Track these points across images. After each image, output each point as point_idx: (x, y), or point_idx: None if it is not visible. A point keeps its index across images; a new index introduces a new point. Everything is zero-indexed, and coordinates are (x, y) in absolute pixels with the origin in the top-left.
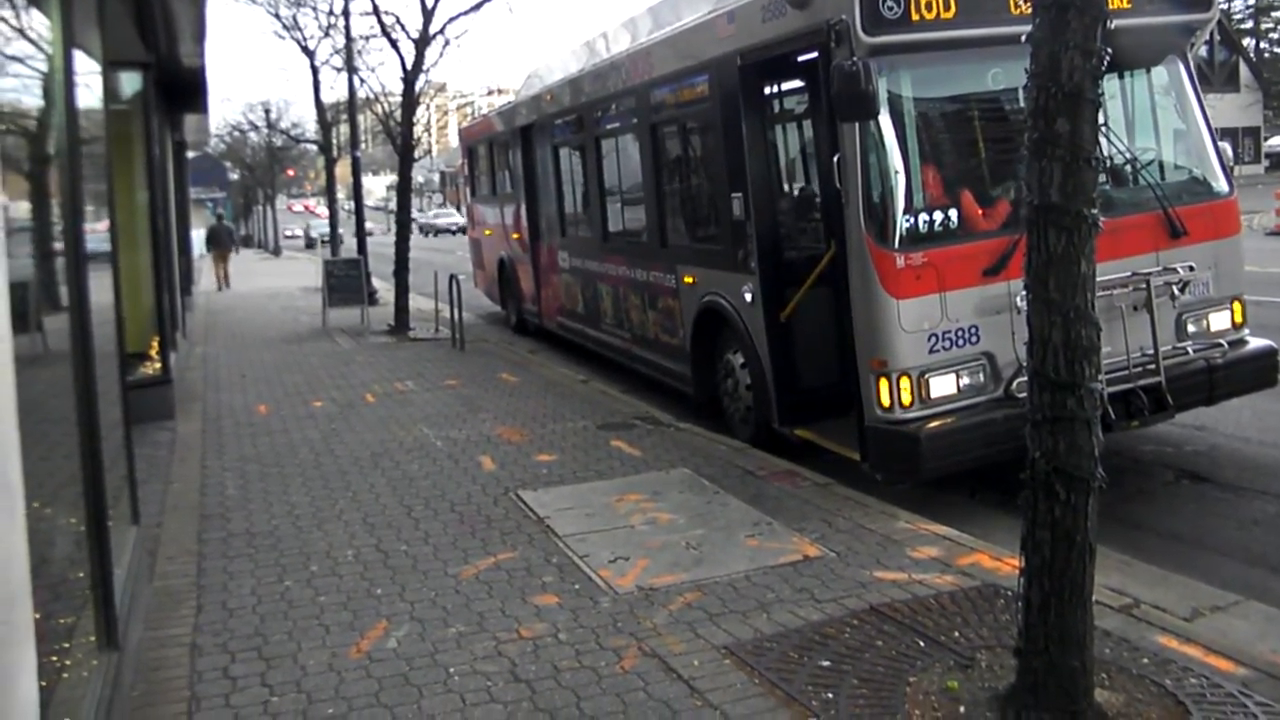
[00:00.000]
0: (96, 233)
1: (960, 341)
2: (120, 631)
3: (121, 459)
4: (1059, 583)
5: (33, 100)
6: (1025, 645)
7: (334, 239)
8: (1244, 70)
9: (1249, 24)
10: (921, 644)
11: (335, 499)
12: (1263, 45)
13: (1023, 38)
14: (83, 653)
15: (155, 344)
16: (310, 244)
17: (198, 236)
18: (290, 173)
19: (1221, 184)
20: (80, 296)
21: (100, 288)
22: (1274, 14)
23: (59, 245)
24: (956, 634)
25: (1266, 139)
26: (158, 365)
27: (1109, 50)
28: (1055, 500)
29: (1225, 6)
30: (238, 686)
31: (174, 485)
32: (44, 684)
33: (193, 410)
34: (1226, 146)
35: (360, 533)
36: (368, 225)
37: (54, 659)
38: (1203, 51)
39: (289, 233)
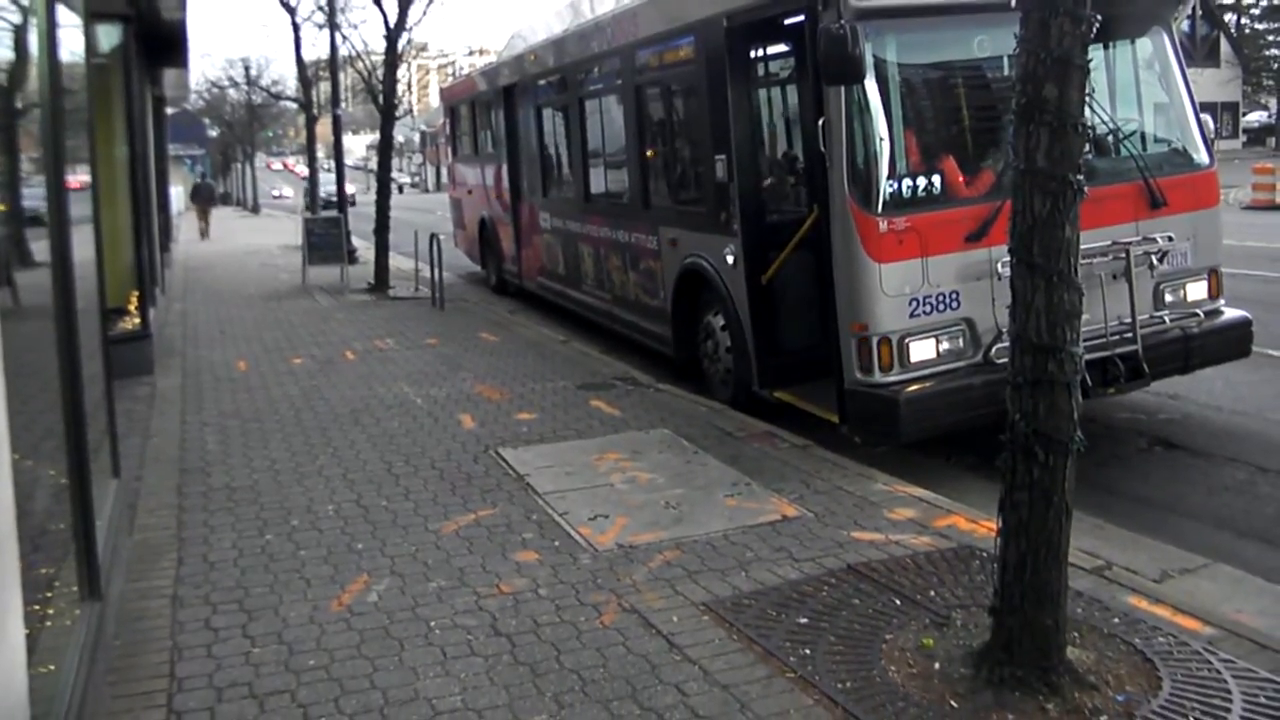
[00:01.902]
0: (78, 187)
1: (941, 306)
2: (102, 582)
3: (102, 412)
4: (1035, 542)
5: (14, 53)
6: (1000, 603)
7: (314, 197)
8: (1225, 46)
9: (1230, 0)
10: (898, 603)
11: (316, 455)
12: (1243, 21)
13: (1012, 2)
14: (65, 602)
15: (134, 299)
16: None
17: (176, 193)
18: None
19: (1202, 156)
20: (62, 250)
21: (81, 242)
22: None
23: (41, 199)
24: (932, 593)
25: (1245, 114)
26: (137, 320)
27: (1098, 16)
28: (1034, 462)
29: None
30: (219, 637)
31: (154, 440)
32: (28, 632)
33: (172, 365)
34: (1208, 119)
35: (341, 488)
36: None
37: (37, 608)
38: (1184, 26)
39: (276, 192)
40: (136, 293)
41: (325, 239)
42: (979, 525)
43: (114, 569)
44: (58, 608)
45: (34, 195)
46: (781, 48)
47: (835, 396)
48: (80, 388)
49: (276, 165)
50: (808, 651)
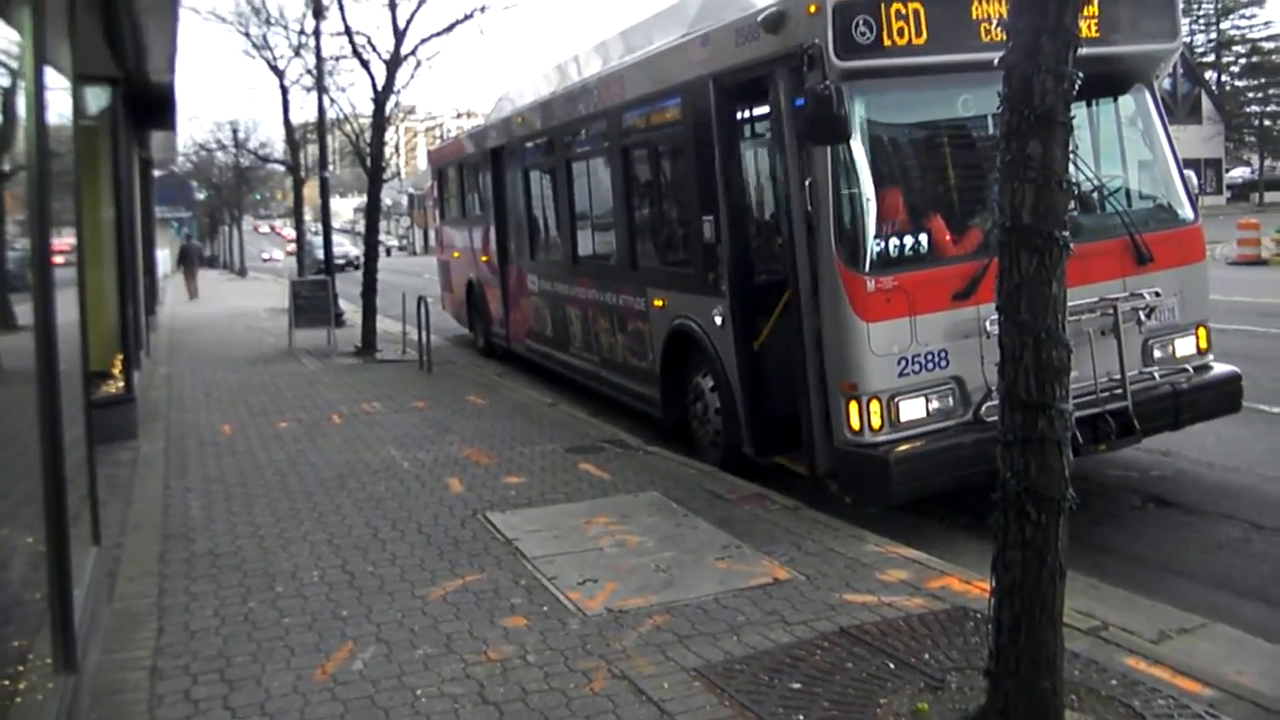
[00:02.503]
0: (63, 250)
1: (930, 365)
2: (78, 654)
3: (83, 478)
4: (1030, 603)
5: (1, 116)
6: (996, 667)
7: (300, 259)
8: (1206, 103)
9: (1211, 58)
10: (891, 666)
11: (301, 520)
12: (1224, 79)
13: (996, 61)
14: (38, 675)
15: (119, 362)
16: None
17: (163, 256)
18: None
19: (1187, 211)
20: (46, 313)
21: (66, 304)
22: (1235, 48)
23: (26, 261)
24: (926, 656)
25: (1228, 170)
26: (121, 384)
27: (1080, 74)
28: (1026, 520)
29: (1188, 40)
30: (199, 710)
31: (136, 505)
32: None
33: (156, 430)
34: (1191, 175)
35: (326, 554)
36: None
37: (7, 683)
38: (1166, 84)
39: (266, 255)
40: (121, 356)
41: (312, 302)
42: (973, 586)
43: (91, 640)
44: (30, 682)
45: (18, 258)
46: (768, 109)
47: (805, 450)
48: (61, 452)
49: (264, 228)
50: (801, 717)
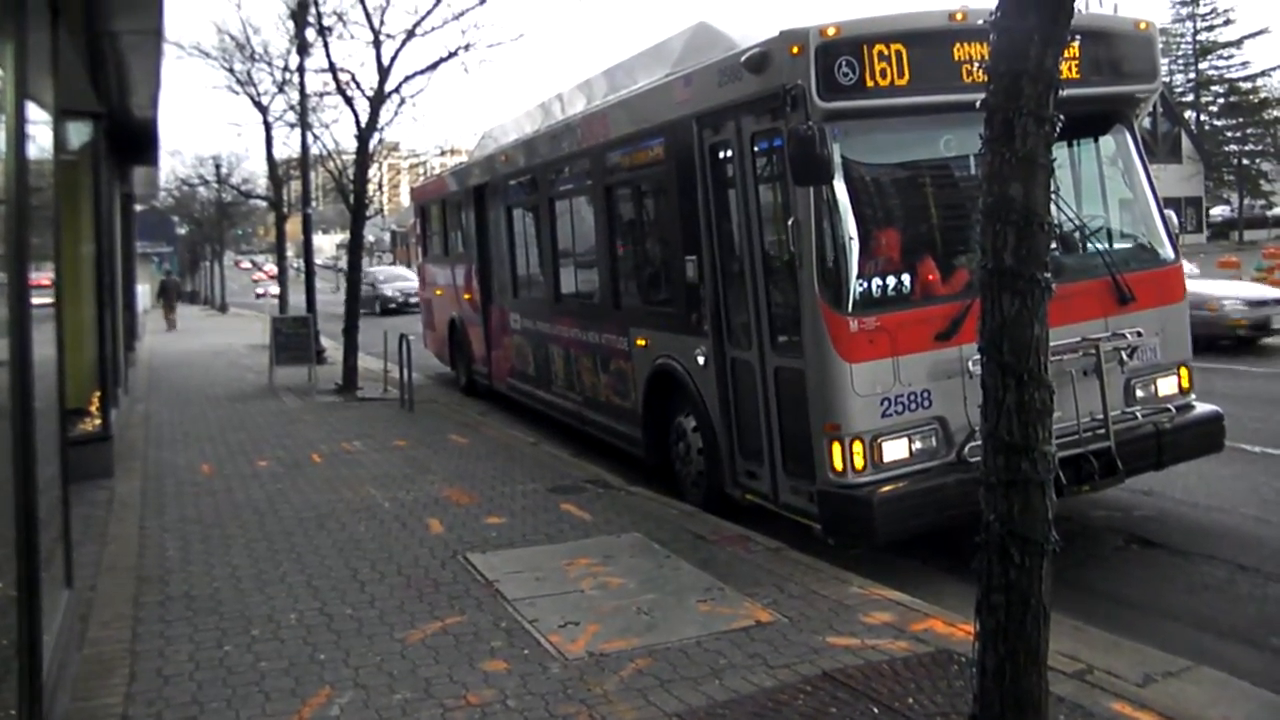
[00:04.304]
0: (41, 286)
1: (913, 406)
2: (45, 703)
3: (57, 518)
4: (1014, 646)
5: None
6: (980, 711)
7: (283, 296)
8: (1186, 142)
9: (1190, 97)
10: (875, 711)
11: (279, 561)
12: (1203, 118)
13: (978, 103)
14: None
15: (96, 399)
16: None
17: (143, 291)
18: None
19: (1167, 251)
20: (22, 349)
21: (43, 341)
22: (1213, 88)
23: (2, 295)
24: (910, 700)
25: (1208, 209)
26: (98, 421)
27: (1061, 117)
28: (1010, 563)
29: (1167, 80)
30: None
31: (110, 546)
32: None
33: (133, 469)
34: (1172, 214)
35: (304, 596)
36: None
37: None
38: (1146, 123)
39: (260, 290)
40: (98, 393)
41: (293, 339)
42: (957, 628)
43: (59, 687)
44: None
45: None
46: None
47: (769, 482)
48: (34, 492)
49: (245, 264)
50: None
